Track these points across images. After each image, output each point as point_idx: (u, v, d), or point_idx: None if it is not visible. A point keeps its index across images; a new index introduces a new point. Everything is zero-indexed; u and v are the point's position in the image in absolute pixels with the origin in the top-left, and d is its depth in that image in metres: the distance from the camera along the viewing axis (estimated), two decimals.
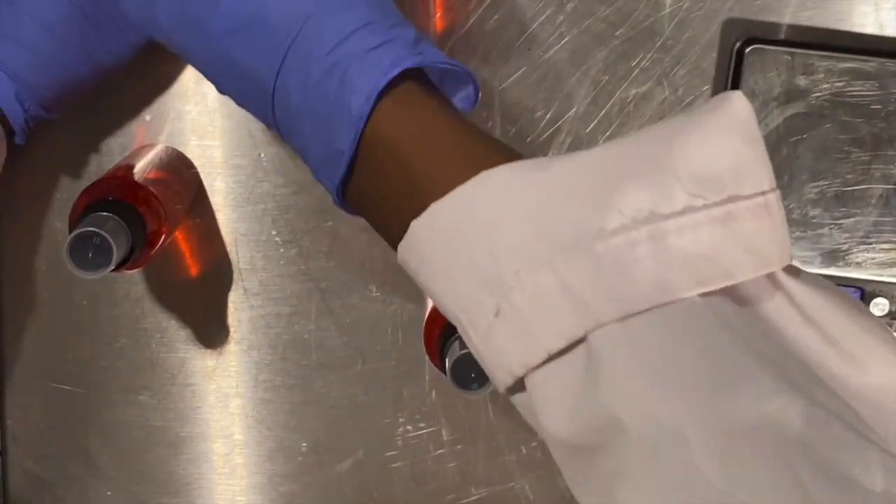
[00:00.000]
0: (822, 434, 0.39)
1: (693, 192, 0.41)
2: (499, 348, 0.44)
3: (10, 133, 0.63)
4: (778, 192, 0.43)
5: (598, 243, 0.41)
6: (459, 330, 0.46)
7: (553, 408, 0.43)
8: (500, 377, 0.44)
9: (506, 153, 0.47)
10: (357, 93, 0.48)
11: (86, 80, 0.64)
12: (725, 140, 0.42)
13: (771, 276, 0.43)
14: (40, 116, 0.63)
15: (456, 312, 0.45)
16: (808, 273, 0.44)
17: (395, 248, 0.48)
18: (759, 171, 0.42)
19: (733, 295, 0.42)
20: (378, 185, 0.49)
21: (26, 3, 0.61)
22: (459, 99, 0.55)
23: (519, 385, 0.44)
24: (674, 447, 0.39)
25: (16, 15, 0.61)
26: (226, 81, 0.53)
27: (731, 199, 0.42)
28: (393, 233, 0.48)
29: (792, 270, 0.44)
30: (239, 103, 0.54)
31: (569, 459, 0.43)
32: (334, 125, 0.48)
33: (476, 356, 0.45)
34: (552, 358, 0.43)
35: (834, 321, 0.43)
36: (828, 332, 0.43)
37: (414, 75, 0.50)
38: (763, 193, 0.42)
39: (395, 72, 0.48)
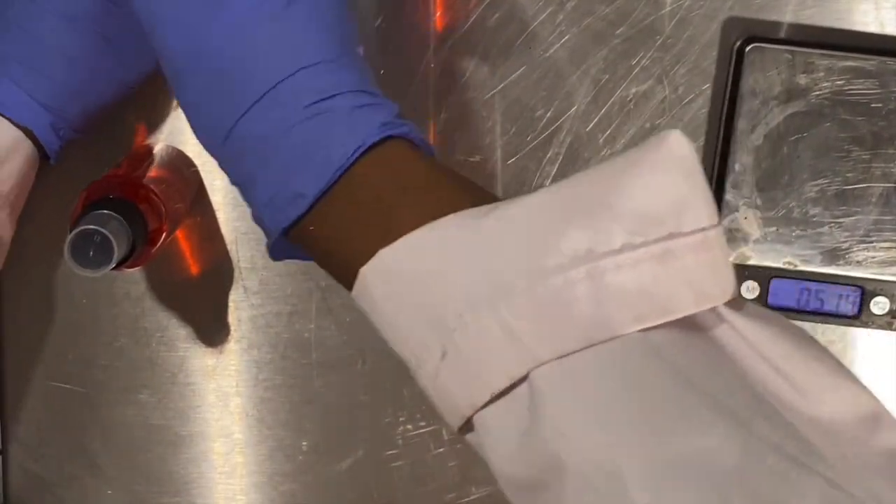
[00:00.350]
0: (759, 466, 0.39)
1: (632, 229, 0.42)
2: (447, 390, 0.44)
3: (43, 156, 0.65)
4: (720, 228, 0.43)
5: (537, 283, 0.42)
6: (412, 372, 0.46)
7: (499, 447, 0.43)
8: (451, 419, 0.45)
9: (477, 198, 0.47)
10: (339, 144, 0.48)
11: (114, 99, 0.66)
12: (664, 177, 0.42)
13: (714, 311, 0.43)
14: (72, 138, 0.65)
15: (406, 355, 0.46)
16: (753, 305, 0.45)
17: (349, 289, 0.48)
18: (698, 207, 0.43)
19: (677, 328, 0.42)
20: (339, 230, 0.48)
21: (53, 38, 0.62)
22: None
23: (469, 425, 0.45)
24: (609, 484, 0.39)
25: (44, 50, 0.63)
26: (192, 94, 0.53)
27: (671, 235, 0.42)
28: (348, 276, 0.48)
29: (736, 304, 0.44)
30: (191, 117, 0.53)
31: (517, 497, 0.44)
32: (301, 170, 0.48)
33: (428, 398, 0.46)
34: (497, 398, 0.43)
35: (782, 353, 0.43)
36: (776, 365, 0.43)
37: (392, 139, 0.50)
38: (703, 230, 0.42)
39: (386, 133, 0.48)
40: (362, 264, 0.46)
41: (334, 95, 0.49)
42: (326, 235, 0.49)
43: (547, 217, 0.43)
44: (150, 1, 0.52)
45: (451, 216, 0.45)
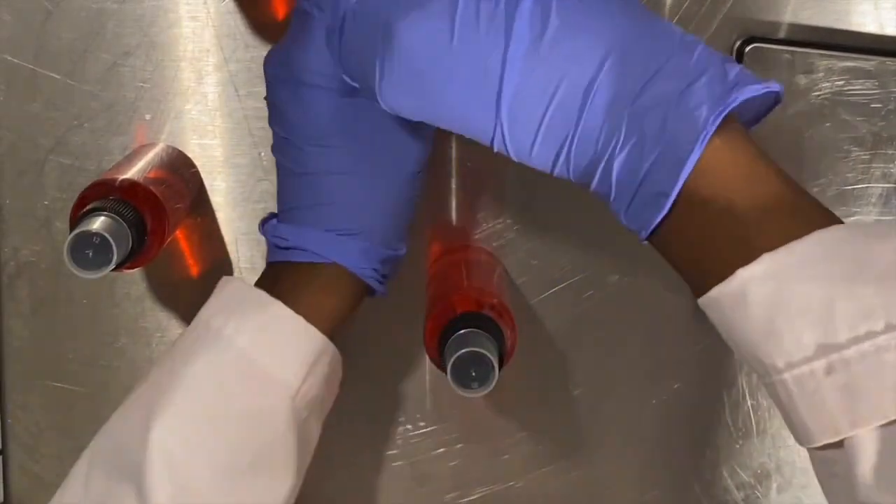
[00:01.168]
0: None
1: None
2: (824, 405, 0.44)
3: (367, 290, 0.63)
4: None
5: None
6: (768, 383, 0.46)
7: (877, 472, 0.42)
8: (816, 433, 0.45)
9: (827, 212, 0.48)
10: (680, 141, 0.47)
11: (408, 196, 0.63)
12: None
13: None
14: (389, 257, 0.63)
15: (774, 365, 0.45)
16: None
17: (699, 290, 0.48)
18: None
19: None
20: (697, 229, 0.48)
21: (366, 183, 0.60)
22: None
23: (834, 444, 0.44)
24: None
25: (355, 193, 0.60)
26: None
27: None
28: (705, 277, 0.47)
29: None
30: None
31: None
32: (655, 170, 0.48)
33: (786, 409, 0.45)
34: (888, 424, 0.43)
35: None
36: None
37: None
38: None
39: (719, 121, 0.48)
40: (728, 268, 0.46)
41: (653, 77, 0.48)
42: (686, 235, 0.48)
43: None
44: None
45: (835, 228, 0.45)
